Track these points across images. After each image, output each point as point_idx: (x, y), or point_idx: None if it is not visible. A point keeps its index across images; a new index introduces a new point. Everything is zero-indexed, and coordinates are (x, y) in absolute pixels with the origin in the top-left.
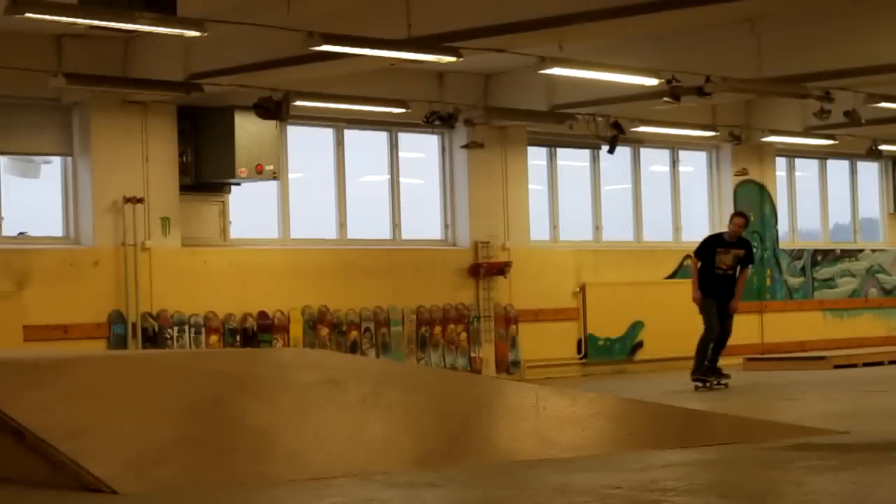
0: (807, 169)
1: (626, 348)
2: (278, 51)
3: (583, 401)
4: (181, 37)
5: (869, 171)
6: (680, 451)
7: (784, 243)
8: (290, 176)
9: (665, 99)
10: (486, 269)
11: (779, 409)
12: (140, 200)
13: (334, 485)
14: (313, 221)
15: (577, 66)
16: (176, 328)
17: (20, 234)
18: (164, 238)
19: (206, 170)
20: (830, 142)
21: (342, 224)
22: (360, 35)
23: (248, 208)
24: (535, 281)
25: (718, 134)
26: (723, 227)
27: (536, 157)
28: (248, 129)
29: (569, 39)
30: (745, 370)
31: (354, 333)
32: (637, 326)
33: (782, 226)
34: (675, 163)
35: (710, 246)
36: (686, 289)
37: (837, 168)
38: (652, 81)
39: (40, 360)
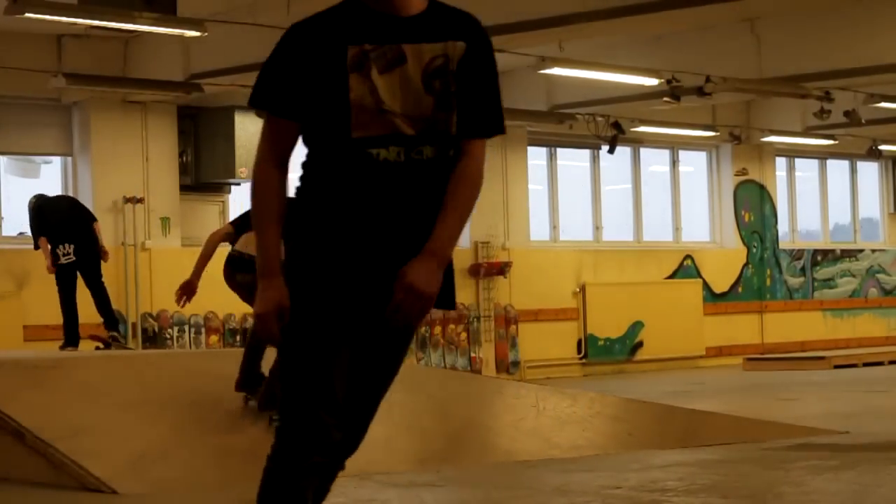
0: (807, 169)
1: (626, 348)
2: None
3: (583, 401)
4: (181, 37)
5: (869, 171)
6: (680, 451)
7: (784, 243)
8: (290, 176)
9: (665, 99)
10: (486, 269)
11: (779, 409)
12: (140, 200)
13: (334, 485)
14: None
15: (577, 66)
16: (176, 328)
17: (20, 234)
18: (164, 238)
19: (206, 170)
20: (830, 142)
21: None
22: None
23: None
24: (535, 281)
25: (718, 134)
26: (724, 228)
27: (536, 157)
28: (248, 129)
29: (569, 39)
30: (745, 370)
31: None
32: (637, 326)
33: (782, 226)
34: (675, 163)
35: None
36: (686, 288)
37: (837, 168)
38: (652, 81)
39: (40, 360)
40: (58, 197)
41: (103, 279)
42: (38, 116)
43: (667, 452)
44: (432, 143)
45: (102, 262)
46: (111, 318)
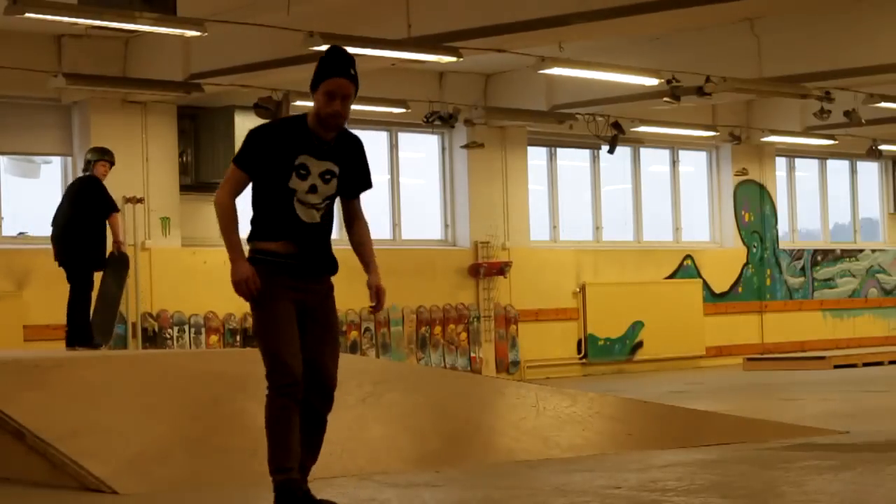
0: (807, 169)
1: (626, 348)
2: (278, 51)
3: (583, 401)
4: (181, 37)
5: (869, 171)
6: (680, 451)
7: (784, 243)
8: None
9: (665, 99)
10: (486, 269)
11: (779, 409)
12: (140, 200)
13: (334, 485)
14: None
15: (577, 66)
16: (176, 328)
17: (20, 234)
18: (164, 238)
19: (206, 170)
20: (830, 142)
21: (342, 224)
22: (360, 35)
23: (249, 208)
24: (535, 281)
25: (718, 134)
26: (724, 228)
27: (536, 157)
28: (248, 129)
29: (569, 39)
30: (745, 370)
31: (354, 333)
32: (637, 326)
33: (782, 226)
34: (675, 163)
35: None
36: (686, 288)
37: (837, 168)
38: (652, 81)
39: (40, 360)
40: (65, 195)
41: (79, 292)
42: (38, 116)
43: (667, 452)
44: None
45: (121, 250)
46: (72, 333)
